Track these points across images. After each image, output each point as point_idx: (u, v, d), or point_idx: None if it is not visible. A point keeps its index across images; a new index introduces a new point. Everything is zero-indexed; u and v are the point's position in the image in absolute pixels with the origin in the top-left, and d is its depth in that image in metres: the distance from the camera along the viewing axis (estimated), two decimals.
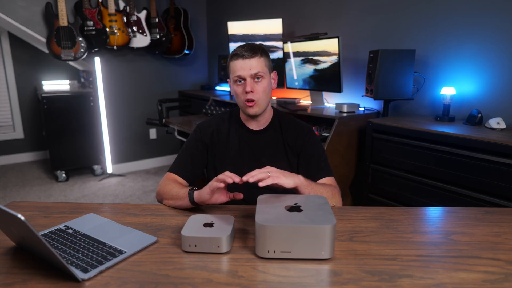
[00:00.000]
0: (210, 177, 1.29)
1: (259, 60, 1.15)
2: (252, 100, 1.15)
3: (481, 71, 1.84)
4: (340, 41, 2.18)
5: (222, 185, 0.93)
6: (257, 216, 0.78)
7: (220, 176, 0.93)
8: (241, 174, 1.23)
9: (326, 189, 1.08)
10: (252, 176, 0.90)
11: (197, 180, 1.27)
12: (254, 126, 1.26)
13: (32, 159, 4.26)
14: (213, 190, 0.95)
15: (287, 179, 0.95)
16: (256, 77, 1.15)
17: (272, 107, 1.30)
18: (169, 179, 1.17)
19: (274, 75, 1.24)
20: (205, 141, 1.26)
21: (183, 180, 1.20)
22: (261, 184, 0.91)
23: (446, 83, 1.97)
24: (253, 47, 1.16)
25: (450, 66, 1.96)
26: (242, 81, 1.16)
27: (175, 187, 1.09)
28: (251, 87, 1.14)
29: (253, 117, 1.22)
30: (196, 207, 1.05)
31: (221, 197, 1.00)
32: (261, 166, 1.22)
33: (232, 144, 1.25)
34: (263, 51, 1.18)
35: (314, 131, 1.30)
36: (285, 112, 1.44)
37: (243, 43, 1.20)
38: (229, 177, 0.92)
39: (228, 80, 1.24)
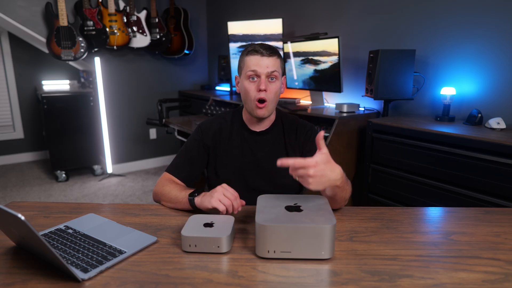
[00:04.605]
0: (210, 178, 1.28)
1: (276, 61, 1.14)
2: (263, 101, 1.13)
3: (481, 71, 1.84)
4: (340, 41, 2.18)
5: (224, 213, 0.92)
6: (257, 216, 0.78)
7: (226, 202, 0.92)
8: (241, 176, 1.24)
9: (349, 184, 1.06)
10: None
11: (195, 182, 1.26)
12: (256, 127, 1.24)
13: (32, 159, 4.26)
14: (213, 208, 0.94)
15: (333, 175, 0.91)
16: (270, 76, 1.13)
17: (276, 108, 1.29)
18: (166, 179, 1.16)
19: (284, 79, 1.23)
20: (206, 142, 1.24)
21: (180, 182, 1.19)
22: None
23: (446, 83, 1.97)
24: (271, 47, 1.15)
25: (450, 66, 1.96)
26: (256, 78, 1.13)
27: (173, 189, 1.07)
28: (265, 86, 1.11)
29: (259, 119, 1.20)
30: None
31: None
32: (261, 167, 1.23)
33: (234, 145, 1.24)
34: (279, 54, 1.17)
35: (315, 128, 1.28)
36: (289, 113, 1.43)
37: (259, 42, 1.17)
38: (236, 208, 0.93)
39: (236, 76, 1.22)
